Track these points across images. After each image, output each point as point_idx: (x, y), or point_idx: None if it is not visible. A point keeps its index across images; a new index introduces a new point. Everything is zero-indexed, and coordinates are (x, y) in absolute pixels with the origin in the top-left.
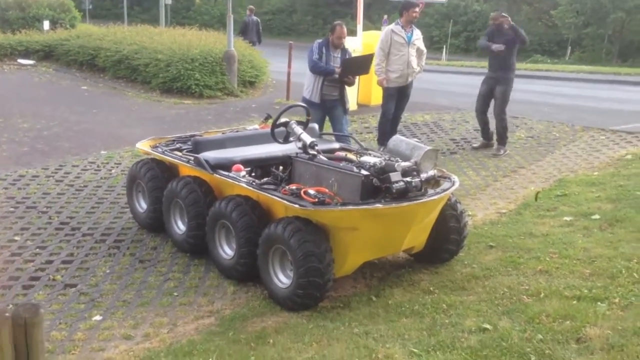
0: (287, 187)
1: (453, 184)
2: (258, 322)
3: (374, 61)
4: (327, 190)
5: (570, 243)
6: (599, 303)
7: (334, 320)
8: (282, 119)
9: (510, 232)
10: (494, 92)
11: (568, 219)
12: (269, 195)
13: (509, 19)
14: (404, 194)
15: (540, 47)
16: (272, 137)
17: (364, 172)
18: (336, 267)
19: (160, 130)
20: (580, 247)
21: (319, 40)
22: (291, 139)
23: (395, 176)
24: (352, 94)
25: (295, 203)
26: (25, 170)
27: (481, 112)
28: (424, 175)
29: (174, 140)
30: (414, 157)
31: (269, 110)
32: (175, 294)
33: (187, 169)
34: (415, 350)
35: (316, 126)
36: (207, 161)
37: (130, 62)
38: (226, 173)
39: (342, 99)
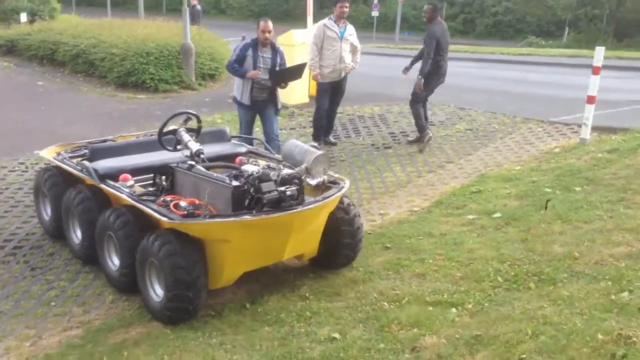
0: (162, 198)
1: (339, 190)
2: (122, 333)
3: (309, 56)
4: (200, 202)
5: (460, 244)
6: (452, 309)
7: (198, 330)
8: (172, 126)
9: (411, 232)
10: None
11: (471, 217)
12: (142, 207)
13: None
14: (277, 204)
15: (539, 29)
16: (160, 145)
17: (234, 182)
18: (212, 279)
19: (103, 127)
20: (467, 249)
21: (246, 41)
22: (178, 147)
23: (267, 186)
24: (304, 87)
25: (165, 216)
26: None
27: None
28: (313, 181)
29: (81, 147)
30: (305, 162)
31: (220, 105)
32: (53, 303)
33: (86, 178)
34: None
35: (227, 129)
36: (95, 170)
37: (88, 56)
38: (112, 183)
39: (273, 100)
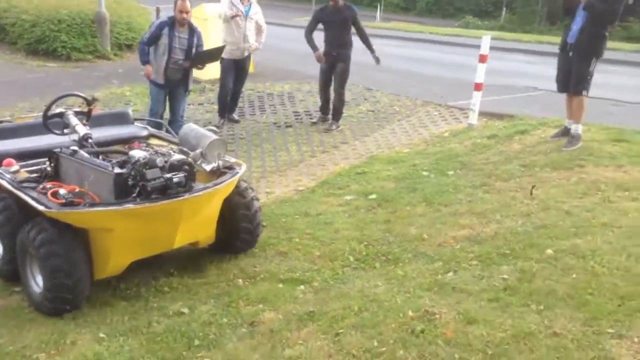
0: (42, 185)
1: (232, 176)
2: None
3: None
4: (82, 189)
5: (330, 224)
6: (300, 286)
7: None
8: (60, 109)
9: (289, 211)
10: (335, 69)
11: (349, 198)
12: (21, 194)
13: None
14: (162, 192)
15: (478, 8)
16: (45, 128)
17: (117, 169)
18: (98, 269)
19: (7, 95)
20: (334, 228)
21: (163, 19)
22: (65, 130)
23: (152, 173)
24: (217, 63)
25: (42, 204)
26: None
27: (322, 88)
28: (208, 167)
29: None
30: (200, 147)
31: (133, 77)
32: None
33: None
34: (103, 335)
35: (130, 111)
36: None
37: None
38: None
39: (185, 80)
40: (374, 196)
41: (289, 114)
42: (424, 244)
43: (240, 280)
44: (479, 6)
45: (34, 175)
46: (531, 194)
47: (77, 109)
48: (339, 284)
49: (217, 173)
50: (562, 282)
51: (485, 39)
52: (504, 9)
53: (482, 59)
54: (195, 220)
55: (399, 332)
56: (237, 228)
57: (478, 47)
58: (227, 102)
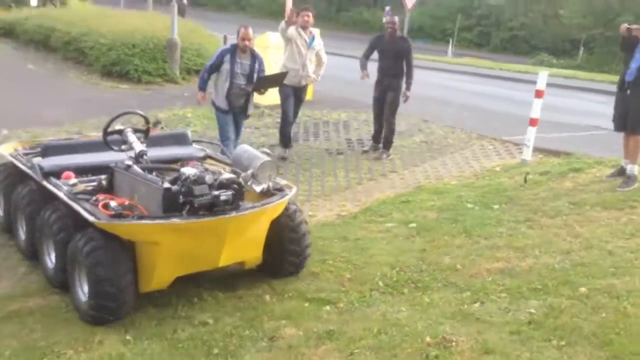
0: (95, 197)
1: (280, 198)
2: (22, 302)
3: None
4: (132, 202)
5: (366, 249)
6: (326, 307)
7: None
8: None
9: (329, 235)
10: (385, 98)
11: (390, 225)
12: (74, 204)
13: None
14: (209, 208)
15: (554, 46)
16: (105, 144)
17: (166, 184)
18: (143, 281)
19: (77, 113)
20: (370, 254)
21: (225, 46)
22: (123, 147)
23: (199, 190)
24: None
25: (92, 215)
26: None
27: (376, 116)
28: (258, 187)
29: (38, 145)
30: (251, 168)
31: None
32: None
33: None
34: (129, 337)
35: (188, 133)
36: (40, 167)
37: (78, 44)
38: (54, 180)
39: (246, 105)
40: (414, 225)
41: (342, 141)
42: (456, 274)
43: (267, 297)
44: (555, 44)
45: (90, 188)
46: (525, 181)
47: (136, 128)
48: (363, 307)
49: (267, 194)
50: (589, 320)
51: (542, 75)
52: (582, 48)
53: (538, 94)
54: (242, 239)
55: (413, 356)
56: (284, 250)
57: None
58: (290, 132)
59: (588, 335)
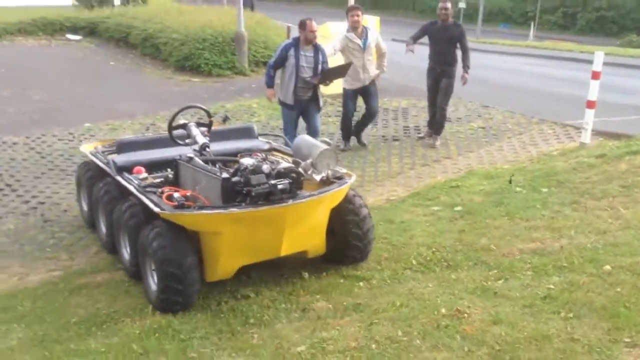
0: (161, 190)
1: (339, 185)
2: (91, 277)
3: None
4: (194, 193)
5: (408, 230)
6: (360, 283)
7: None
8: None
9: (376, 218)
10: (440, 84)
11: (436, 208)
12: (142, 197)
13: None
14: (266, 197)
15: None
16: (171, 139)
17: (224, 175)
18: (209, 271)
19: (151, 107)
20: (410, 235)
21: (288, 41)
22: (187, 140)
23: (256, 179)
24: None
25: (158, 206)
26: (9, 138)
27: (431, 104)
28: (317, 176)
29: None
30: (311, 157)
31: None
32: (49, 249)
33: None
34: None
35: (254, 126)
36: (114, 163)
37: (154, 40)
38: (127, 175)
39: (315, 98)
40: (459, 208)
41: (399, 128)
42: (489, 253)
43: (306, 274)
44: None
45: (158, 181)
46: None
47: (199, 122)
48: (394, 283)
49: (327, 183)
50: (603, 295)
51: (599, 55)
52: None
53: (595, 75)
54: (302, 228)
55: (425, 326)
56: (347, 235)
57: (621, 66)
58: (350, 127)
59: (597, 309)
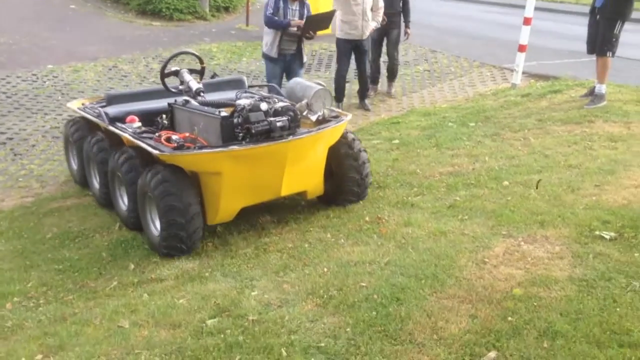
0: (158, 133)
1: (336, 123)
2: (61, 202)
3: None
4: (192, 135)
5: None
6: (302, 202)
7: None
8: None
9: None
10: (388, 36)
11: (376, 142)
12: (139, 142)
13: None
14: (266, 135)
15: None
16: (163, 86)
17: (223, 113)
18: (210, 214)
19: (112, 49)
20: None
21: None
22: (180, 87)
23: (255, 116)
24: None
25: (156, 149)
26: None
27: (375, 59)
28: (313, 116)
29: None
30: (306, 98)
31: (223, 36)
32: (20, 179)
33: (100, 123)
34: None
35: (244, 78)
36: (106, 114)
37: None
38: (120, 124)
39: (299, 53)
40: (396, 141)
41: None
42: (414, 176)
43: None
44: None
45: (153, 127)
46: (537, 187)
47: (191, 68)
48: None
49: (323, 122)
50: (496, 203)
51: (530, 2)
52: None
53: (526, 21)
54: (301, 167)
55: (351, 230)
56: (345, 179)
57: (572, 13)
58: (344, 86)
59: (487, 212)
